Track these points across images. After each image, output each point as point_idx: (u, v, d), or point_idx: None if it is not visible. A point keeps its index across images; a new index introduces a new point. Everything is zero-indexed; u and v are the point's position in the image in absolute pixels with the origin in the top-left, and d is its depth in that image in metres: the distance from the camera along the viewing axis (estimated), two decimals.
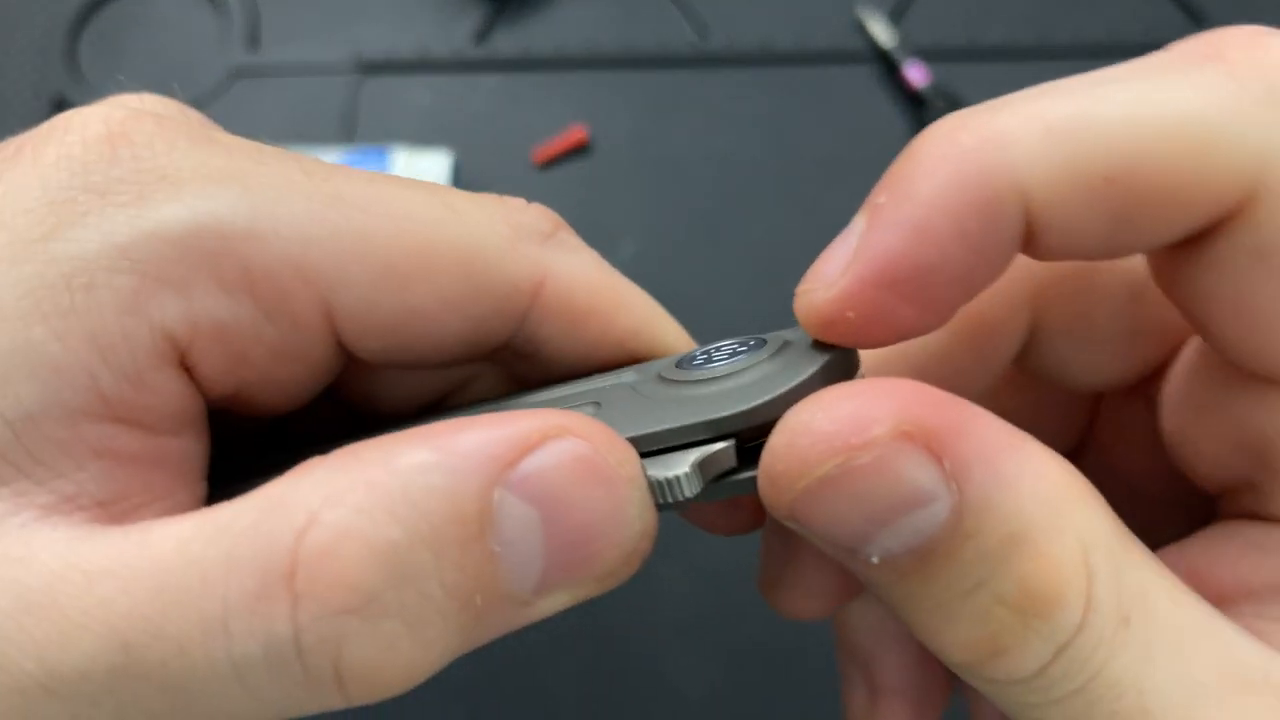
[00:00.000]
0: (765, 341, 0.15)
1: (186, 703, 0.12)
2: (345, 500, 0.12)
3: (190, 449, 0.14)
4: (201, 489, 0.14)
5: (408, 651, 0.12)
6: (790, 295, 0.33)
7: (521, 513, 0.13)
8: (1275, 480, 0.15)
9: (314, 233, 0.14)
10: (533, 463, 0.13)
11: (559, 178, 0.39)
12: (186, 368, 0.14)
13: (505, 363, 0.17)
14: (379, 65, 0.40)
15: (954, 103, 0.38)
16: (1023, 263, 0.15)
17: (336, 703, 0.12)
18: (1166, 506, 0.17)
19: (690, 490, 0.14)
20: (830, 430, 0.12)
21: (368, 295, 0.14)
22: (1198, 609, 0.13)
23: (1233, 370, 0.15)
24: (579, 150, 0.39)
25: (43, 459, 0.13)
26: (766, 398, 0.14)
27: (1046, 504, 0.13)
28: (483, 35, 0.41)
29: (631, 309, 0.17)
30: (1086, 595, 0.13)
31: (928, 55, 0.40)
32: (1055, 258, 0.14)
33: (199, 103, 0.40)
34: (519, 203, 0.16)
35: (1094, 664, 0.13)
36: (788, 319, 0.39)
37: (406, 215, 0.15)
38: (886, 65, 0.40)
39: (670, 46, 0.40)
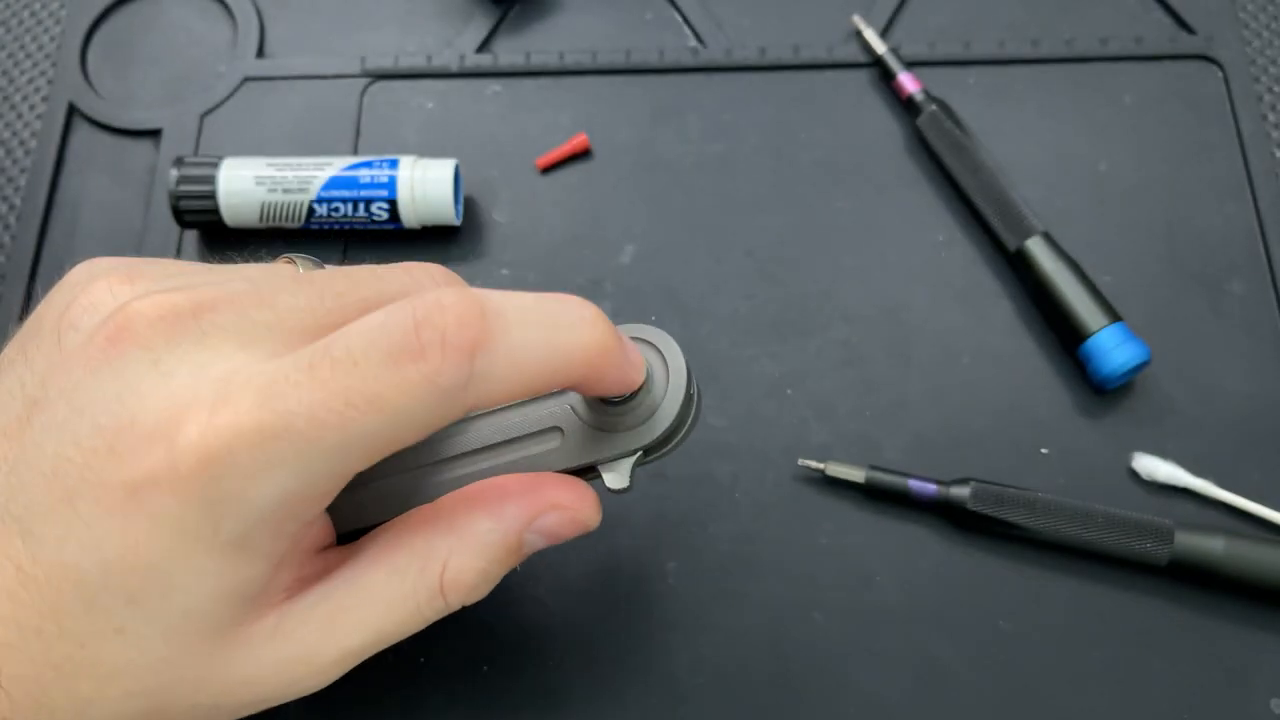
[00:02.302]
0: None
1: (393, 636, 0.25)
2: (455, 552, 0.24)
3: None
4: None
5: (487, 590, 0.25)
6: (790, 297, 0.35)
7: (539, 540, 0.25)
8: None
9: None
10: (543, 521, 0.25)
11: (561, 183, 0.39)
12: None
13: None
14: (383, 73, 0.41)
15: (946, 109, 0.39)
16: None
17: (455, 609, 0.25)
18: None
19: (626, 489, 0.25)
20: None
21: None
22: None
23: None
24: (581, 156, 0.40)
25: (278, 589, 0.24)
26: (664, 429, 0.25)
27: None
28: (485, 44, 0.42)
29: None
30: None
31: (921, 62, 0.41)
32: None
33: (209, 110, 0.40)
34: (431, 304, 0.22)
35: None
36: (787, 321, 0.40)
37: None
38: (881, 72, 0.40)
39: (671, 54, 0.41)
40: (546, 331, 0.22)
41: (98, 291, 0.23)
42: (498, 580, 0.25)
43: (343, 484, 0.22)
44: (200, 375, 0.21)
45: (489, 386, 0.21)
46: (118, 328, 0.22)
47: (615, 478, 0.25)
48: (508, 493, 0.25)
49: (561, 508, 0.25)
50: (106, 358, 0.22)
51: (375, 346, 0.20)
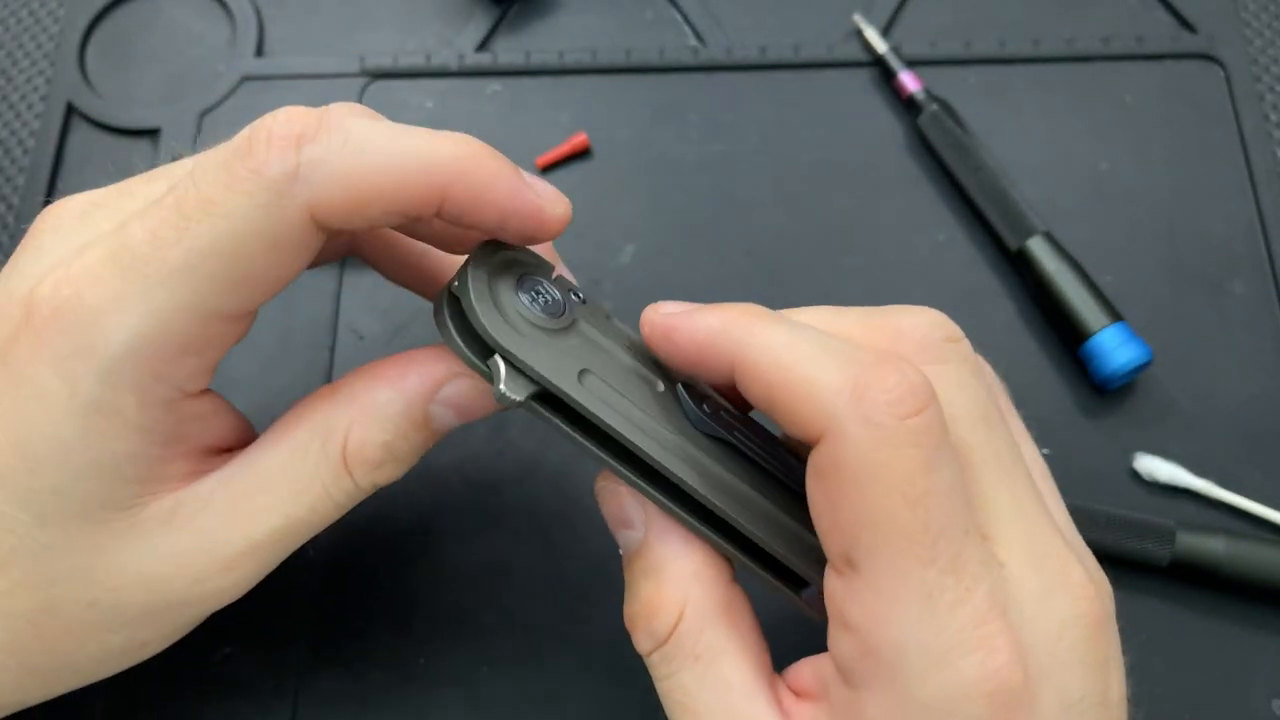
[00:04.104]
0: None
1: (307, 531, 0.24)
2: (356, 423, 0.23)
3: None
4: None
5: (398, 470, 0.24)
6: (790, 297, 0.35)
7: (444, 411, 0.24)
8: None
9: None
10: (448, 390, 0.24)
11: (560, 182, 0.39)
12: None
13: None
14: (382, 73, 0.41)
15: (947, 107, 0.39)
16: None
17: (367, 492, 0.24)
18: None
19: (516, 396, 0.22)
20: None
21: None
22: (745, 680, 0.22)
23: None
24: (581, 155, 0.40)
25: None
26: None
27: (684, 571, 0.23)
28: (485, 43, 0.42)
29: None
30: (673, 625, 0.22)
31: (922, 61, 0.40)
32: None
33: (207, 109, 0.40)
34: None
35: (670, 667, 0.22)
36: None
37: None
38: (882, 71, 0.40)
39: (671, 53, 0.41)
40: (396, 131, 0.22)
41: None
42: (408, 459, 0.24)
43: (199, 325, 0.21)
44: (70, 246, 0.22)
45: (324, 179, 0.21)
46: (32, 227, 0.24)
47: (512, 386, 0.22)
48: (410, 362, 0.24)
49: (460, 375, 0.24)
50: (14, 259, 0.23)
51: (211, 159, 0.21)
